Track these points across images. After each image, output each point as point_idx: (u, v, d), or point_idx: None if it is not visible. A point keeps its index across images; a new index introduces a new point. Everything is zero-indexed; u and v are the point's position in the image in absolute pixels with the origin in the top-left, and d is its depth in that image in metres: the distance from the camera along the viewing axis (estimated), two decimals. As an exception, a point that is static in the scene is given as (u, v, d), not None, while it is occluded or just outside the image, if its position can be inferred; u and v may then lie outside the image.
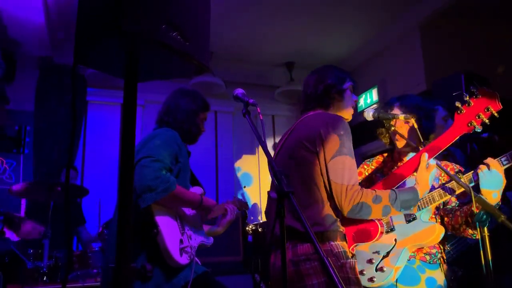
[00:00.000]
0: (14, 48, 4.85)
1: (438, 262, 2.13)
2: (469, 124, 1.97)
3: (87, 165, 5.42)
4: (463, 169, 2.24)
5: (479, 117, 1.96)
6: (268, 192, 1.37)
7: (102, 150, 5.47)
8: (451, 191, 2.06)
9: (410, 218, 2.09)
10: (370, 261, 2.07)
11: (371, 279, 2.04)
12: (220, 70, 5.55)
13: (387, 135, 2.30)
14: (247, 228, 4.39)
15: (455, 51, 4.36)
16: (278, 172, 1.37)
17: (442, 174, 2.22)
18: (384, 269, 2.03)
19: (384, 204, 1.76)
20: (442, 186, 2.08)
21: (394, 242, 2.07)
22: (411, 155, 2.28)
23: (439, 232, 2.05)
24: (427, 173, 1.92)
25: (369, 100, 5.60)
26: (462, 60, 4.21)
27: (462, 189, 2.03)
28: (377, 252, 2.08)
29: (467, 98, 1.97)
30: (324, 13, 4.82)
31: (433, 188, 2.08)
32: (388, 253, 2.05)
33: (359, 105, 5.75)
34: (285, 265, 1.35)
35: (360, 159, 6.55)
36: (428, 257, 2.12)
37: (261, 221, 4.44)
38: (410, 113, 2.14)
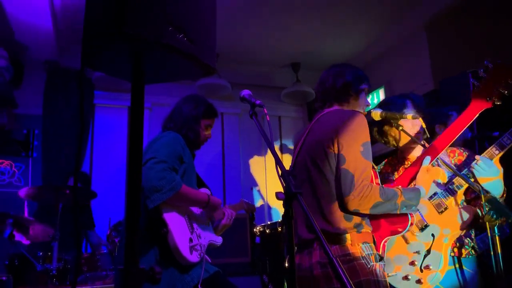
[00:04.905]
0: (21, 52, 4.89)
1: (453, 254, 2.13)
2: (488, 99, 1.96)
3: (95, 168, 5.45)
4: (467, 154, 2.26)
5: (497, 91, 1.95)
6: (276, 193, 1.36)
7: (109, 153, 5.49)
8: (454, 192, 2.08)
9: (442, 209, 2.09)
10: (412, 263, 2.05)
11: (419, 281, 2.01)
12: (226, 72, 5.55)
13: (389, 135, 2.31)
14: (255, 230, 4.38)
15: (462, 50, 4.33)
16: (286, 173, 1.36)
17: (455, 156, 2.25)
18: (431, 267, 2.01)
19: (390, 200, 1.75)
20: (445, 188, 2.10)
21: (432, 237, 2.06)
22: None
23: (475, 212, 2.05)
24: (428, 175, 1.94)
25: (376, 100, 5.57)
26: (469, 59, 4.17)
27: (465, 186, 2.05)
28: (417, 252, 2.07)
29: (482, 74, 1.97)
30: (329, 13, 4.80)
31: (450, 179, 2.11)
32: (429, 250, 2.04)
33: (366, 105, 5.72)
34: (294, 268, 1.34)
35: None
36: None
37: (268, 223, 4.43)
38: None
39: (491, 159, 2.02)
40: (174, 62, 1.15)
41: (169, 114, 2.49)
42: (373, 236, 1.83)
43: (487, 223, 1.87)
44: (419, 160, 2.00)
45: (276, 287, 4.02)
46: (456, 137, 2.01)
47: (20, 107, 4.51)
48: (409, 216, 1.86)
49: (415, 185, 1.96)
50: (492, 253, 1.83)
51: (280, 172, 1.39)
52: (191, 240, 2.18)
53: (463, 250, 2.15)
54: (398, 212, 1.81)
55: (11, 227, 3.29)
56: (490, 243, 1.85)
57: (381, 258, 1.81)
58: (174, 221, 2.13)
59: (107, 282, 3.31)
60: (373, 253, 1.75)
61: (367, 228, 1.79)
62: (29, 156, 4.40)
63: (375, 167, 2.17)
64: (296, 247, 1.90)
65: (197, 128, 2.43)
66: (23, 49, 4.85)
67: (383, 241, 1.90)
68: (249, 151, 6.22)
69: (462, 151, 2.27)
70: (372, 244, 1.79)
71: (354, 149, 1.76)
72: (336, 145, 1.79)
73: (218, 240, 2.48)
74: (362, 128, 1.80)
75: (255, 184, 6.10)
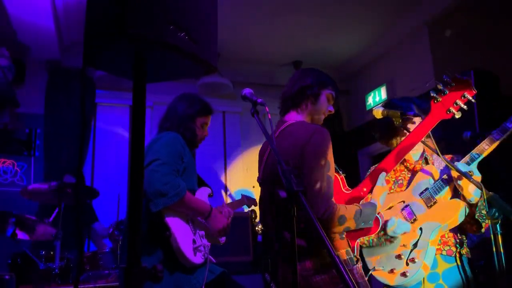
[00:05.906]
0: (23, 52, 4.90)
1: (454, 253, 2.13)
2: (447, 112, 2.02)
3: (96, 167, 5.46)
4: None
5: (456, 104, 2.01)
6: (278, 192, 1.35)
7: (111, 152, 5.50)
8: (448, 182, 2.09)
9: (431, 203, 2.10)
10: (399, 257, 2.08)
11: (404, 274, 2.04)
12: (227, 70, 5.54)
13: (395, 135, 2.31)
14: (256, 228, 4.39)
15: (464, 49, 4.32)
16: (287, 171, 1.36)
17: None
18: (416, 260, 2.03)
19: (350, 219, 1.74)
20: (440, 179, 2.11)
21: (420, 231, 2.07)
22: (418, 154, 2.30)
23: (463, 206, 2.06)
24: (383, 190, 1.93)
25: (377, 98, 5.57)
26: (471, 58, 4.16)
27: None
28: (404, 245, 2.09)
29: (441, 87, 2.02)
30: (331, 12, 4.80)
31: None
32: (415, 244, 2.06)
33: (368, 103, 5.72)
34: (296, 266, 1.34)
35: (368, 158, 6.48)
36: (446, 248, 2.13)
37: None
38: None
39: (481, 154, 2.06)
40: (175, 61, 1.15)
41: (165, 114, 2.49)
42: (348, 240, 1.83)
43: (489, 221, 1.87)
44: (376, 174, 1.97)
45: (278, 286, 4.02)
46: (412, 148, 2.02)
47: (22, 106, 4.52)
48: (380, 218, 1.86)
49: (370, 199, 1.93)
50: (494, 251, 1.83)
51: (281, 170, 1.39)
52: (194, 241, 2.18)
53: (464, 248, 2.16)
54: (356, 228, 1.79)
55: (13, 226, 3.30)
56: (493, 242, 1.85)
57: (358, 260, 1.82)
58: (177, 224, 2.13)
59: (110, 281, 3.31)
60: (350, 257, 1.77)
61: (343, 235, 1.80)
62: (31, 155, 4.41)
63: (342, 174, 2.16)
64: (278, 255, 1.91)
65: (193, 126, 2.43)
66: (25, 49, 4.86)
67: (356, 243, 1.89)
68: (250, 149, 6.22)
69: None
70: (349, 249, 1.80)
71: (332, 166, 1.76)
72: (304, 164, 1.75)
73: (221, 239, 2.48)
74: (327, 146, 1.78)
75: (256, 182, 6.10)
